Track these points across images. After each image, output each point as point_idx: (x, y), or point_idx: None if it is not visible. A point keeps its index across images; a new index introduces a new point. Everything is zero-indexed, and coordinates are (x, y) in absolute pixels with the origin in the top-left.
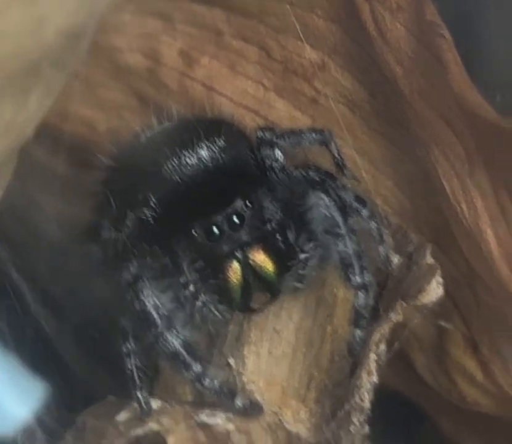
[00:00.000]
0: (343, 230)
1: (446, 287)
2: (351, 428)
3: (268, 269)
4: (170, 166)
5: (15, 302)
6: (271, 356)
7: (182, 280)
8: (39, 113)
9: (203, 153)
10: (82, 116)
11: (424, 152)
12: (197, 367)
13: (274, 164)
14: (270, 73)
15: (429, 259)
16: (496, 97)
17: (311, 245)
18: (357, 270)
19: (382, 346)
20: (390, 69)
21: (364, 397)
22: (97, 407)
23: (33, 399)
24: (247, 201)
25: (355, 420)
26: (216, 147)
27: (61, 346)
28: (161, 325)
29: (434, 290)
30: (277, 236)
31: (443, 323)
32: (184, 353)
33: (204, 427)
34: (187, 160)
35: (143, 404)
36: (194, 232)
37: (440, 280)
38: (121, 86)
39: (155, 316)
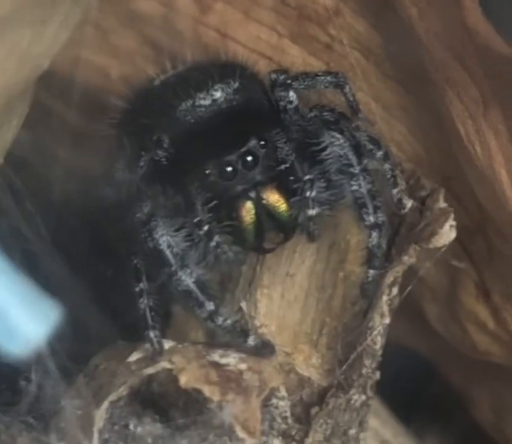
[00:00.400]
0: (357, 170)
1: (458, 235)
2: (363, 371)
3: (281, 209)
4: (184, 108)
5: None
6: (283, 300)
7: (196, 220)
8: (56, 46)
9: (218, 94)
10: (95, 63)
11: (438, 95)
12: (209, 305)
13: (288, 106)
14: (284, 19)
15: (442, 204)
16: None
17: (325, 184)
18: (371, 210)
19: (395, 290)
20: (405, 11)
21: (377, 340)
22: (108, 350)
23: (47, 325)
24: (261, 141)
25: (367, 363)
26: (230, 89)
27: (74, 285)
28: (174, 264)
29: (447, 233)
30: (291, 176)
31: (455, 263)
32: (196, 291)
33: (216, 366)
34: (202, 101)
35: (155, 343)
36: (207, 172)
37: (453, 223)
38: (135, 33)
39: (168, 254)
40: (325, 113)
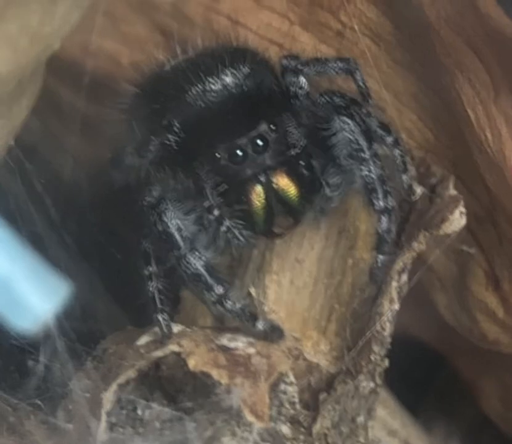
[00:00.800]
0: (367, 155)
1: (467, 223)
2: (372, 357)
3: (290, 193)
4: (194, 92)
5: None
6: (292, 286)
7: (206, 204)
8: (66, 26)
9: (228, 79)
10: (105, 49)
11: (449, 80)
12: (218, 289)
13: (299, 91)
14: (295, 6)
15: (452, 191)
16: None
17: (334, 169)
18: (381, 194)
19: (404, 277)
20: None
21: (386, 326)
22: (117, 334)
23: (56, 304)
24: (272, 125)
25: (375, 349)
26: (241, 74)
27: (83, 269)
28: (184, 247)
29: (457, 220)
30: (301, 161)
31: (465, 248)
32: (205, 274)
33: (225, 350)
34: (212, 86)
35: (164, 326)
36: (217, 155)
37: (463, 210)
38: (145, 20)
39: (178, 237)
40: (335, 98)
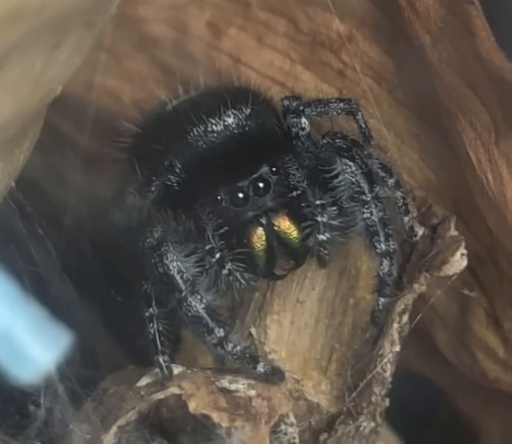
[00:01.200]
0: (369, 197)
1: (468, 262)
2: (373, 398)
3: (292, 236)
4: (196, 133)
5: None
6: (293, 326)
7: (207, 247)
8: (68, 71)
9: (230, 120)
10: (107, 86)
11: (450, 122)
12: (219, 332)
13: (301, 133)
14: (297, 45)
15: (453, 232)
16: None
17: (336, 211)
18: (382, 237)
19: (405, 318)
20: (418, 38)
21: (387, 368)
22: (118, 374)
23: (57, 351)
24: (273, 168)
25: (376, 390)
26: (243, 115)
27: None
28: (185, 290)
29: (458, 262)
30: (302, 203)
31: (466, 292)
32: (206, 317)
33: (225, 392)
34: (214, 127)
35: (164, 368)
36: (219, 197)
37: (464, 251)
38: (147, 57)
39: (179, 279)
40: (337, 140)
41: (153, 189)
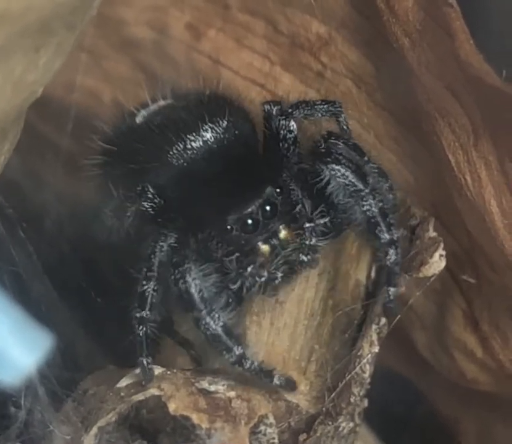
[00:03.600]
0: (364, 192)
1: (447, 263)
2: (352, 399)
3: (303, 250)
4: (176, 152)
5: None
6: (272, 327)
7: (228, 278)
8: (49, 74)
9: (208, 136)
10: (88, 87)
11: (429, 124)
12: (238, 350)
13: (288, 135)
14: (276, 47)
15: (432, 233)
16: (502, 66)
17: (337, 217)
18: (384, 227)
19: (384, 319)
20: (397, 41)
21: (366, 369)
22: (98, 374)
23: (37, 353)
24: (277, 189)
25: (355, 391)
26: (221, 129)
27: (64, 311)
28: (204, 309)
29: (437, 263)
30: (303, 213)
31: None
32: (224, 335)
33: (205, 393)
34: (195, 144)
35: (147, 369)
36: (229, 227)
37: (443, 253)
38: (127, 59)
39: (198, 299)
40: (318, 146)
41: (128, 214)
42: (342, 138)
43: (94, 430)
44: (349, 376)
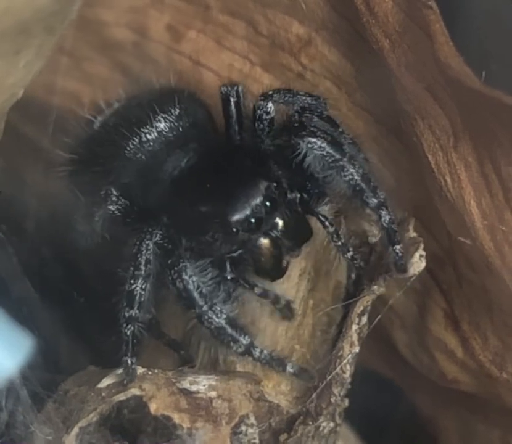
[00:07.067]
0: (343, 161)
1: (427, 264)
2: (332, 399)
3: (304, 235)
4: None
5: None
6: (253, 327)
7: (225, 274)
8: (29, 76)
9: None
10: (68, 89)
11: (409, 125)
12: (244, 340)
13: (265, 116)
14: (257, 48)
15: (412, 233)
16: (482, 68)
17: (320, 190)
18: (370, 193)
19: (364, 319)
20: (377, 43)
21: (346, 369)
22: (79, 375)
23: (18, 355)
24: (273, 183)
25: (336, 391)
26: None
27: (45, 311)
28: (205, 304)
29: (417, 263)
30: (297, 199)
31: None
32: (229, 327)
33: (186, 393)
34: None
35: (130, 369)
36: (234, 229)
37: (423, 253)
38: (108, 60)
39: (197, 295)
40: (293, 122)
41: (97, 219)
42: (316, 111)
43: (75, 430)
44: (330, 376)
